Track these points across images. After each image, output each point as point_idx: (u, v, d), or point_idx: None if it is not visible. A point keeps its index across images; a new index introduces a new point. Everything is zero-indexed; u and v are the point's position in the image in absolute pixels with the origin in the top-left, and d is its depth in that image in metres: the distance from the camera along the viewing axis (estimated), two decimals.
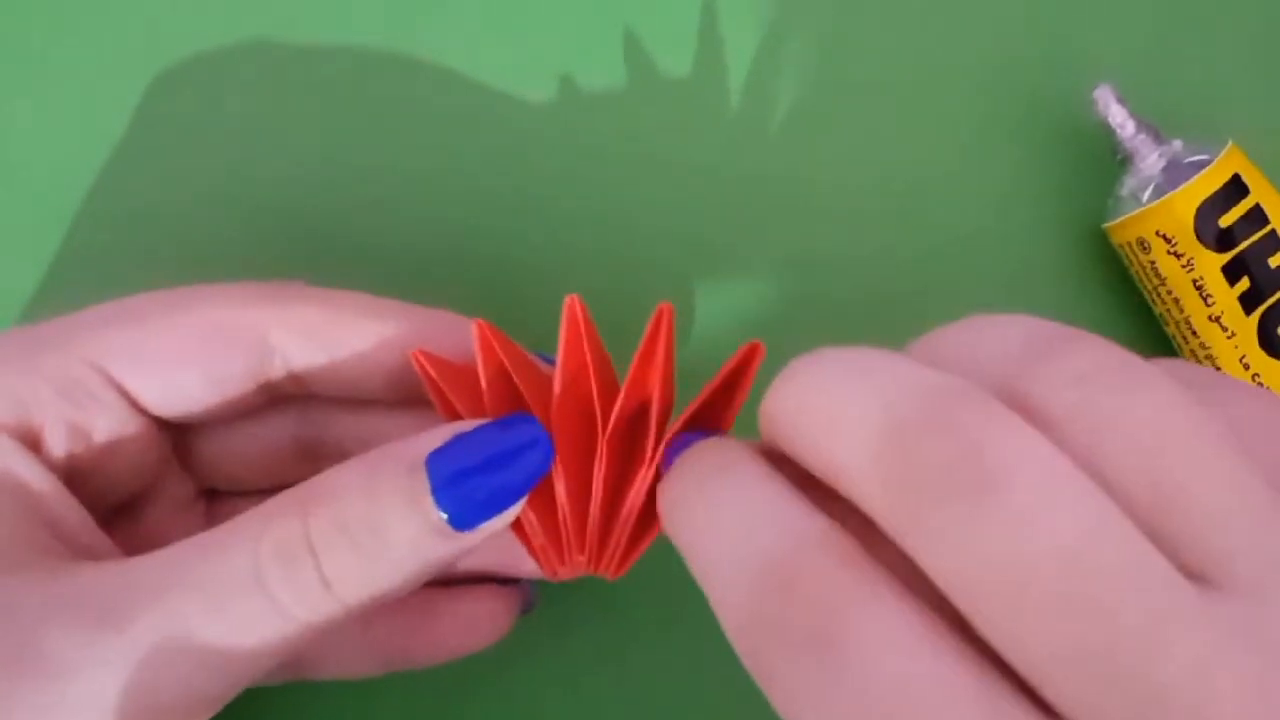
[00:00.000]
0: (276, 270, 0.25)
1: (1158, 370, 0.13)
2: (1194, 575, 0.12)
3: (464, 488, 0.17)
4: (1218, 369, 0.24)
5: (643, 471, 0.18)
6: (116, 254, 0.25)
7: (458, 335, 0.20)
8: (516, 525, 0.18)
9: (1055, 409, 0.13)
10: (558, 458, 0.18)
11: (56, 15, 0.26)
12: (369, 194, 0.25)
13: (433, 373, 0.19)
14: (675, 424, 0.18)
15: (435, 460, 0.17)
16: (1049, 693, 0.11)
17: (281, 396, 0.21)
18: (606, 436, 0.18)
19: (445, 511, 0.17)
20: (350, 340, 0.20)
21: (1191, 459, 0.12)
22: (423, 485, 0.17)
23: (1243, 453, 0.12)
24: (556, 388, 0.17)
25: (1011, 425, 0.12)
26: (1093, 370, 0.13)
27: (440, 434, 0.17)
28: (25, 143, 0.25)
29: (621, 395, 0.18)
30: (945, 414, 0.12)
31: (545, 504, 0.18)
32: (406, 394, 0.20)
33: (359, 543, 0.17)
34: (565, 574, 0.18)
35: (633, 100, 0.26)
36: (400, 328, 0.20)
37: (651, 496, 0.18)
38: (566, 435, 0.18)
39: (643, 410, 0.18)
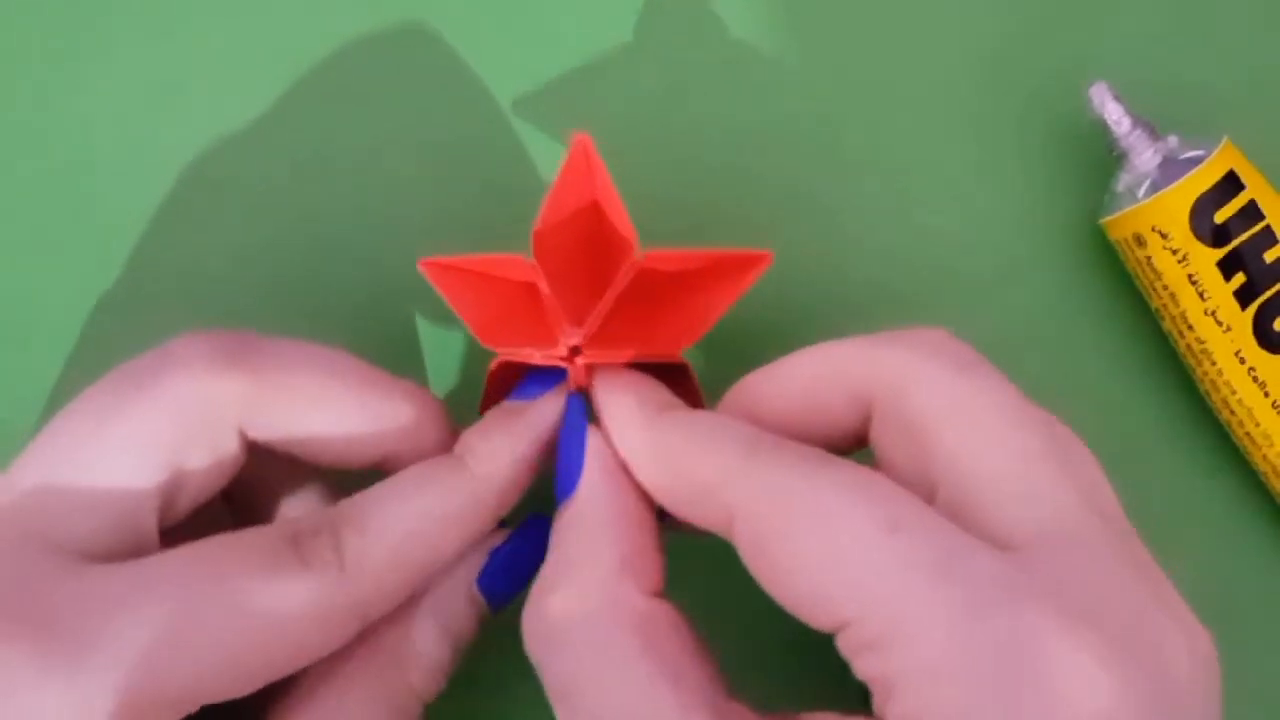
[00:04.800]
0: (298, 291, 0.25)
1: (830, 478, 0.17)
2: None
3: (505, 587, 0.21)
4: (1213, 363, 0.24)
5: (629, 262, 0.20)
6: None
7: (422, 413, 0.20)
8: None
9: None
10: (539, 264, 0.20)
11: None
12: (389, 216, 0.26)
13: (442, 284, 0.21)
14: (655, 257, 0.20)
15: (484, 584, 0.20)
16: None
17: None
18: (633, 256, 0.19)
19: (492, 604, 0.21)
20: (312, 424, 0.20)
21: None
22: (482, 605, 0.20)
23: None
24: (546, 214, 0.20)
25: None
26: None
27: (473, 561, 0.20)
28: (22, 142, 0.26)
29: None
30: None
31: (534, 329, 0.21)
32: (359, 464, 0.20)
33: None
34: (558, 353, 0.20)
35: (636, 99, 0.26)
36: (362, 416, 0.20)
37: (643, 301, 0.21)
38: (555, 260, 0.20)
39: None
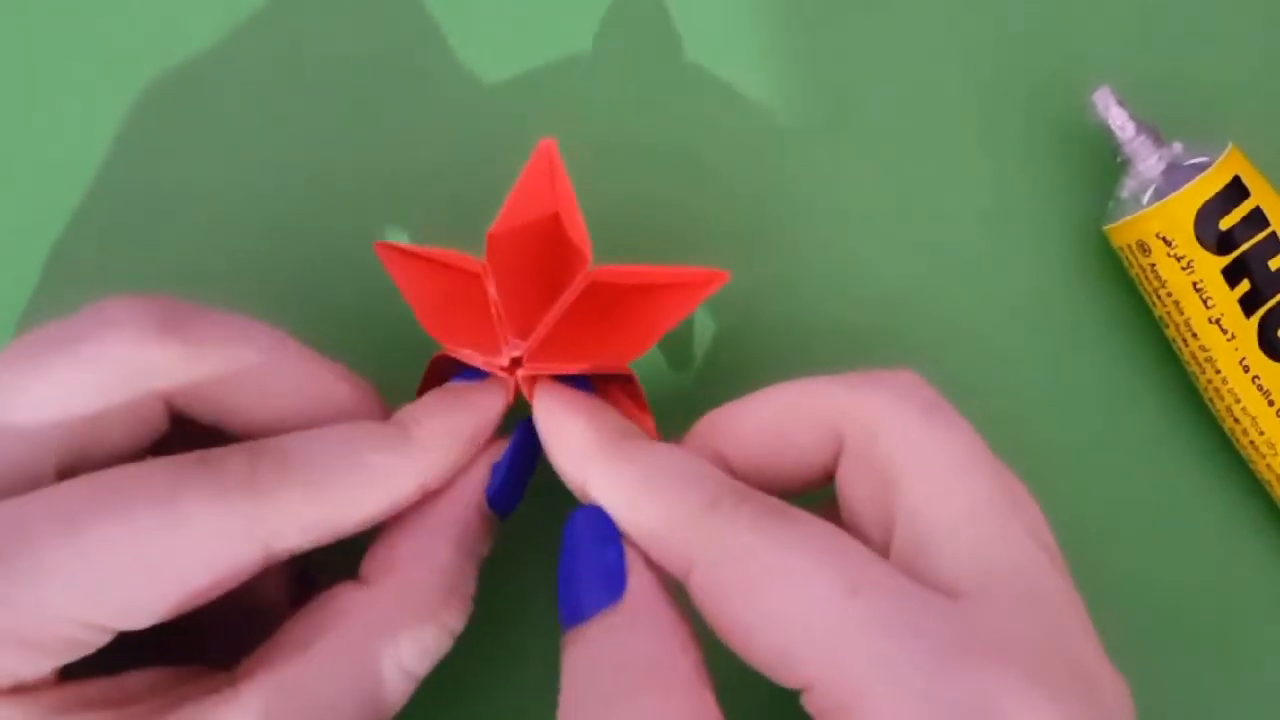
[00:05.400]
0: (269, 273, 0.25)
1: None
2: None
3: (509, 497, 0.21)
4: (1218, 371, 0.24)
5: (580, 276, 0.20)
6: (111, 256, 0.25)
7: (355, 394, 0.20)
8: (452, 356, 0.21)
9: None
10: (490, 267, 0.20)
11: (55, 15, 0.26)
12: (367, 197, 0.25)
13: (395, 267, 0.21)
14: (605, 270, 0.20)
15: (495, 499, 0.20)
16: None
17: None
18: (588, 262, 0.20)
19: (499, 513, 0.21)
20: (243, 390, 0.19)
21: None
22: (493, 520, 0.20)
23: None
24: (504, 217, 0.20)
25: None
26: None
27: (480, 475, 0.20)
28: (21, 142, 0.25)
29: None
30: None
31: (479, 326, 0.20)
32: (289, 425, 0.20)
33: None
34: (499, 362, 0.20)
35: (634, 106, 0.26)
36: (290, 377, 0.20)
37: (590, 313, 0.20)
38: (507, 265, 0.20)
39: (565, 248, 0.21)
